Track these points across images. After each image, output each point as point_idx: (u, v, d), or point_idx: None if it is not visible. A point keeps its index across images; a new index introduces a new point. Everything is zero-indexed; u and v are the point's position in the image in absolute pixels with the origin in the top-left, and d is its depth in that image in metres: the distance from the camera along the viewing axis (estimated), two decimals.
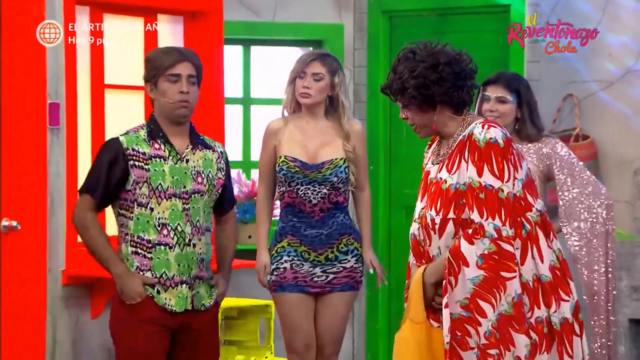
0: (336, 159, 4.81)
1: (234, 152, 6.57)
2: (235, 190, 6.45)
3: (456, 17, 6.47)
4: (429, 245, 3.57)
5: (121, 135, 4.18)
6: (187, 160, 4.17)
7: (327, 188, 4.80)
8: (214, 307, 4.24)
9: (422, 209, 3.60)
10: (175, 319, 4.12)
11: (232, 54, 6.54)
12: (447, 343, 3.44)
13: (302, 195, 4.78)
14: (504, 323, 3.44)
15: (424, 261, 3.59)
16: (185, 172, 4.16)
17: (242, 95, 6.70)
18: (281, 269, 4.79)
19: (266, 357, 5.85)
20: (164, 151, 4.15)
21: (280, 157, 4.83)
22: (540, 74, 6.07)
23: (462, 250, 3.45)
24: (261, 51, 6.72)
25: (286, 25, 6.52)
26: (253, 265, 5.01)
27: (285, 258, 4.79)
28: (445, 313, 3.45)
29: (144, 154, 4.13)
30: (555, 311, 3.53)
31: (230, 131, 6.41)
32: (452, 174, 3.54)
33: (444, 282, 3.47)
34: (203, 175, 4.19)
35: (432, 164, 3.65)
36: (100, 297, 5.52)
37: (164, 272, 4.10)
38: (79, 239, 4.35)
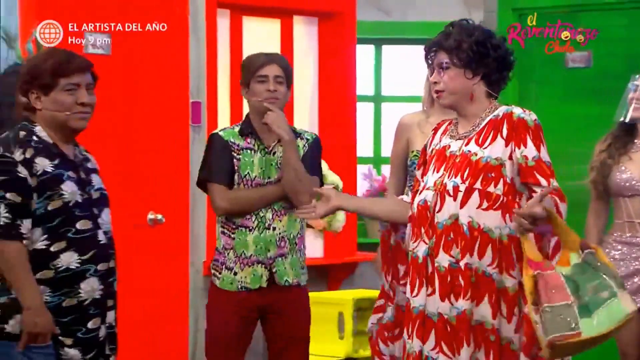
0: None
1: (365, 149, 6.67)
2: (366, 185, 6.59)
3: (587, 13, 6.41)
4: (438, 211, 3.56)
5: (220, 130, 4.48)
6: (274, 153, 4.36)
7: None
8: (303, 288, 4.42)
9: (439, 177, 3.62)
10: (253, 296, 4.33)
11: (364, 53, 6.65)
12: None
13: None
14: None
15: (423, 228, 3.59)
16: (272, 164, 4.36)
17: (373, 93, 6.80)
18: None
19: None
20: (254, 145, 4.39)
21: (412, 152, 4.82)
22: None
23: (560, 207, 3.53)
24: (392, 50, 6.80)
25: (416, 24, 6.57)
26: None
27: None
28: None
29: (237, 145, 4.39)
30: None
31: (361, 128, 6.52)
32: (484, 148, 3.58)
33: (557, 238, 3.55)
34: None
35: (451, 138, 3.68)
36: None
37: (242, 251, 4.32)
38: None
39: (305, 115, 6.32)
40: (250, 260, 4.29)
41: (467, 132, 3.66)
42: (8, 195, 3.49)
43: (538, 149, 3.57)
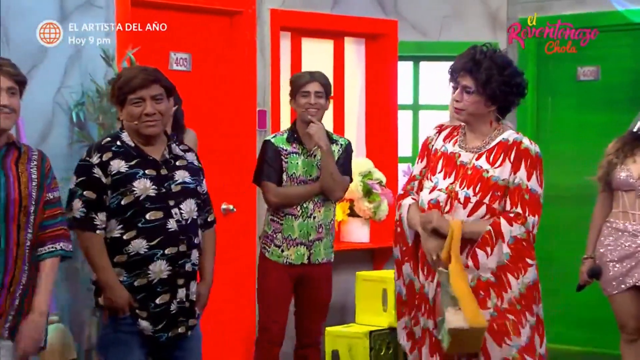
0: None
1: (405, 149, 6.79)
2: (405, 182, 6.68)
3: (598, 34, 6.23)
4: (448, 213, 3.61)
5: (272, 137, 4.87)
6: (314, 156, 4.83)
7: None
8: (330, 263, 4.91)
9: (451, 184, 3.63)
10: (295, 269, 4.82)
11: (404, 69, 6.76)
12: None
13: None
14: (522, 299, 3.55)
15: None
16: (312, 165, 4.81)
17: (412, 102, 6.89)
18: None
19: None
20: (298, 149, 4.82)
21: None
22: None
23: (502, 227, 3.55)
24: (428, 66, 6.82)
25: (449, 43, 6.59)
26: None
27: None
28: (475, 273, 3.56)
29: (286, 150, 4.81)
30: (539, 304, 3.65)
31: (402, 132, 6.65)
32: (495, 168, 3.61)
33: (477, 249, 3.55)
34: None
35: (460, 148, 3.67)
36: None
37: (289, 234, 4.81)
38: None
39: (354, 121, 6.54)
40: (295, 242, 4.83)
41: (477, 147, 3.66)
42: (85, 193, 3.68)
43: (529, 176, 3.59)
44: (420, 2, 6.65)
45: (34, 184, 3.45)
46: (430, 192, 3.67)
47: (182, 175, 3.81)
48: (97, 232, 3.70)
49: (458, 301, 3.53)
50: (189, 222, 3.76)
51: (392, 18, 6.50)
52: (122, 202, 3.70)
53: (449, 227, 3.60)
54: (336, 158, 4.85)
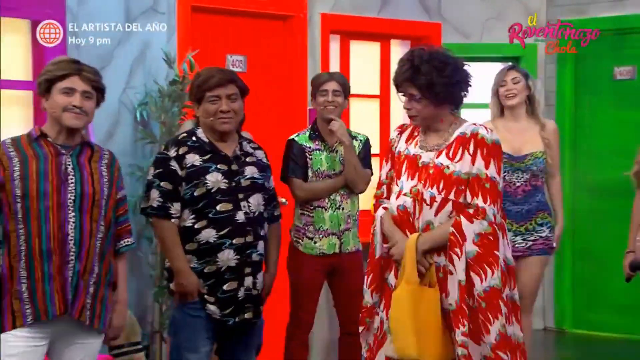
0: (536, 152, 5.09)
1: None
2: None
3: (632, 35, 6.51)
4: (417, 218, 3.54)
5: (295, 136, 4.90)
6: (336, 151, 4.90)
7: (528, 175, 5.05)
8: (360, 252, 4.92)
9: (414, 186, 3.56)
10: (327, 259, 4.86)
11: None
12: (457, 304, 3.47)
13: (508, 180, 5.07)
14: (494, 294, 3.46)
15: (408, 231, 3.56)
16: (335, 160, 4.87)
17: None
18: None
19: None
20: (321, 146, 4.87)
21: None
22: None
23: (463, 227, 3.45)
24: (470, 67, 6.74)
25: (491, 45, 6.70)
26: None
27: None
28: (454, 279, 3.47)
29: (309, 147, 4.85)
30: (513, 289, 3.58)
31: None
32: (455, 162, 3.52)
33: (450, 253, 3.46)
34: None
35: (421, 149, 3.59)
36: None
37: (321, 225, 4.85)
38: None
39: (400, 120, 6.49)
40: (327, 232, 4.91)
41: (437, 145, 3.58)
42: (162, 183, 3.83)
43: (487, 165, 3.50)
44: (463, 6, 6.72)
45: (104, 180, 3.59)
46: (397, 198, 3.60)
47: (251, 171, 3.94)
48: (172, 220, 3.84)
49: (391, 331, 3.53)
50: (256, 214, 3.89)
51: (436, 21, 6.60)
52: (195, 194, 3.83)
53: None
54: (357, 153, 4.95)
